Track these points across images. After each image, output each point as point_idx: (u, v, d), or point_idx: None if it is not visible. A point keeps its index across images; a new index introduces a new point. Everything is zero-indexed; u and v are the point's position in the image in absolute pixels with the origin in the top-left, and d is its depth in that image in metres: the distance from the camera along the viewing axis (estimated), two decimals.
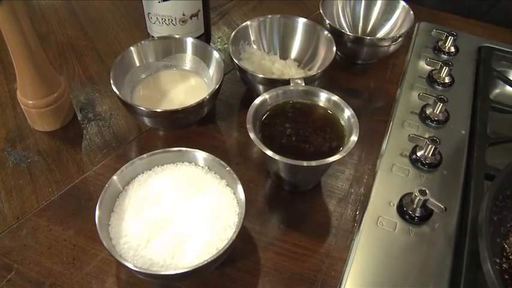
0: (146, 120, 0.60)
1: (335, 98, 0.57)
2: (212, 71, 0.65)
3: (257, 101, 0.56)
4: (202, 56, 0.66)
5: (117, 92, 0.59)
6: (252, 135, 0.51)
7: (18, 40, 0.55)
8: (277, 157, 0.50)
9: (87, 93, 0.71)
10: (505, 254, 0.51)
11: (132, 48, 0.64)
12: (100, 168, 0.61)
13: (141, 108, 0.58)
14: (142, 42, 0.65)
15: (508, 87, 0.73)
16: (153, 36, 0.71)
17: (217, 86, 0.60)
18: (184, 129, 0.65)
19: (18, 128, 0.65)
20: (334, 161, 0.50)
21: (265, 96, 0.56)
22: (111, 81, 0.60)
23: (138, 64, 0.66)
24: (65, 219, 0.55)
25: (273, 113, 0.57)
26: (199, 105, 0.59)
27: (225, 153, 0.63)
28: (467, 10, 0.87)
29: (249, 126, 0.52)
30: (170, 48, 0.67)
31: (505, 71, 0.76)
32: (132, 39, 0.79)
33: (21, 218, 0.55)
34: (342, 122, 0.56)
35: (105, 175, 0.59)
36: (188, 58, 0.67)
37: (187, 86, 0.66)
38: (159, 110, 0.58)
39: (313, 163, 0.50)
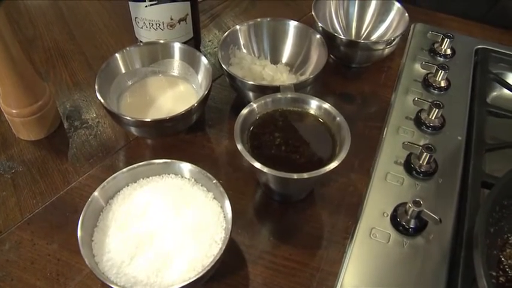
0: (133, 129, 0.59)
1: (326, 105, 0.55)
2: (201, 76, 0.64)
3: (245, 110, 0.54)
4: (190, 61, 0.64)
5: (103, 101, 0.57)
6: (239, 146, 0.50)
7: None
8: (265, 169, 0.48)
9: (74, 100, 0.69)
10: (501, 266, 0.50)
11: (117, 54, 0.63)
12: (86, 179, 0.59)
13: (127, 117, 0.56)
14: (128, 48, 0.63)
15: (505, 91, 0.71)
16: (140, 41, 0.69)
17: (206, 93, 0.58)
18: (173, 138, 0.64)
19: (2, 137, 0.64)
20: (325, 173, 0.49)
21: (252, 105, 0.55)
22: (96, 89, 0.58)
23: (124, 71, 0.64)
24: (49, 232, 0.54)
25: (262, 122, 0.55)
26: (188, 113, 0.57)
27: (214, 162, 0.61)
28: (464, 12, 0.85)
29: (236, 136, 0.51)
30: (157, 54, 0.65)
31: (503, 74, 0.75)
32: (121, 44, 0.77)
33: (4, 232, 0.54)
34: (333, 131, 0.54)
35: (91, 186, 0.58)
36: (176, 64, 0.66)
37: (175, 93, 0.65)
38: (146, 120, 0.57)
39: (305, 175, 0.48)
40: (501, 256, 0.50)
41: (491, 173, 0.58)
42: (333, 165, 0.49)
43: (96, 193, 0.48)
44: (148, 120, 0.57)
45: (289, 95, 0.56)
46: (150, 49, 0.65)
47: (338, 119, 0.54)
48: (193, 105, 0.57)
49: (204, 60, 0.63)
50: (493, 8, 0.83)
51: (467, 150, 0.62)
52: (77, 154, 0.62)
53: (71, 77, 0.73)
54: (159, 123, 0.57)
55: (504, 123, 0.66)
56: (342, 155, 0.50)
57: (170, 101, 0.63)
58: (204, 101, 0.59)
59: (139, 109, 0.62)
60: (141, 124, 0.57)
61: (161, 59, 0.65)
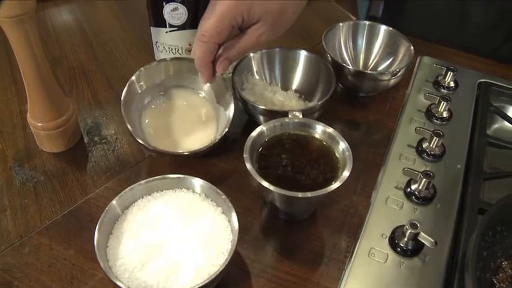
0: (154, 154, 0.63)
1: (330, 130, 0.59)
2: (222, 103, 0.67)
3: (255, 132, 0.57)
4: (213, 87, 0.68)
5: (131, 129, 0.60)
6: (248, 165, 0.53)
7: (31, 65, 0.58)
8: (272, 188, 0.51)
9: (95, 116, 0.73)
10: None
11: (136, 74, 0.65)
12: (103, 191, 0.63)
13: (150, 147, 0.60)
14: (148, 65, 0.66)
15: (506, 123, 0.74)
16: None
17: (226, 130, 0.63)
18: None
19: (26, 148, 0.68)
20: (328, 192, 0.52)
21: (262, 127, 0.58)
22: (123, 113, 0.61)
23: (145, 89, 0.67)
24: (66, 238, 0.57)
25: (271, 144, 0.59)
26: (208, 148, 0.61)
27: (225, 181, 0.64)
28: (473, 48, 0.89)
29: (246, 156, 0.54)
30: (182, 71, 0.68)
31: (504, 107, 0.77)
32: (141, 66, 0.81)
33: (25, 236, 0.57)
34: (337, 154, 0.58)
35: (107, 197, 0.61)
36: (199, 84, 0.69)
37: (196, 113, 0.68)
38: (170, 151, 0.61)
39: (309, 194, 0.51)
40: (494, 280, 0.53)
41: (489, 201, 0.61)
42: (335, 185, 0.52)
43: (114, 202, 0.52)
44: (172, 153, 0.61)
45: (296, 120, 0.60)
46: (174, 65, 0.67)
47: (341, 143, 0.57)
48: (215, 139, 0.62)
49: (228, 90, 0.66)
50: (504, 44, 0.86)
51: (466, 178, 0.64)
52: (95, 167, 0.66)
53: (93, 95, 0.77)
54: (178, 157, 0.62)
55: (504, 154, 0.69)
56: (343, 179, 0.53)
57: (189, 121, 0.67)
58: (224, 136, 0.63)
59: (160, 130, 0.66)
60: (162, 154, 0.62)
61: (184, 77, 0.68)
